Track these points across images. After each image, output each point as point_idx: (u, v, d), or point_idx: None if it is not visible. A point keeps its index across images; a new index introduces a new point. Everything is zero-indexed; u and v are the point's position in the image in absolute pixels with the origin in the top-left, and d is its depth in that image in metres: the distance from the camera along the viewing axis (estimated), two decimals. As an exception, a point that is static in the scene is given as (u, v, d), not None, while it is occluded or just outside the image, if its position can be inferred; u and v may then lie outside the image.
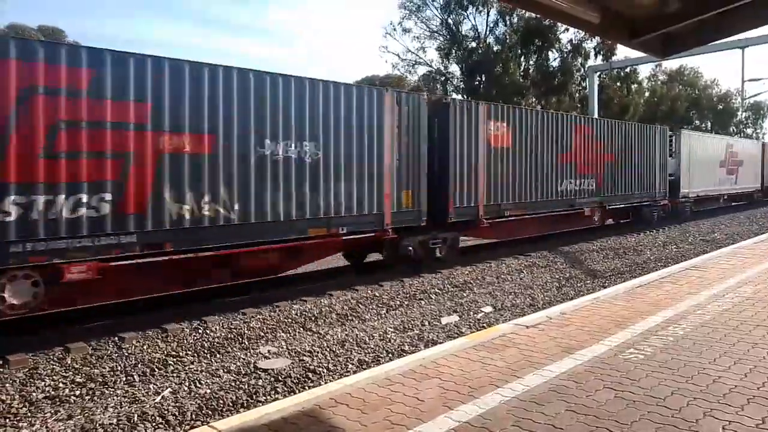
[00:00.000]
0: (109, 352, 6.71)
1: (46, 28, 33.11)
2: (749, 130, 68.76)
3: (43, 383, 5.74)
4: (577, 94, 40.90)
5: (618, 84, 42.28)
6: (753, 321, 6.03)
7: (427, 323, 7.95)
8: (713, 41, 6.61)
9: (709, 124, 63.21)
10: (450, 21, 40.31)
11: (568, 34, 38.97)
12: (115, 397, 5.43)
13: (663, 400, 4.01)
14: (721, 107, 64.17)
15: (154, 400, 5.34)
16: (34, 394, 5.49)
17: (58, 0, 75.72)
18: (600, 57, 39.25)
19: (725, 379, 4.39)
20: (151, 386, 5.69)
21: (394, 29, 41.86)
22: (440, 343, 6.68)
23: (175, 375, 6.02)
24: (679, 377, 4.45)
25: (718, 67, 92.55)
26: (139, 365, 6.26)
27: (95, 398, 5.44)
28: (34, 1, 67.29)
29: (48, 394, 5.49)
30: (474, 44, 40.05)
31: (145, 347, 6.84)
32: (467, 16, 40.01)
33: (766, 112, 67.65)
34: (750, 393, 4.11)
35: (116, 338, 7.08)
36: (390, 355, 6.59)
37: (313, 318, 8.13)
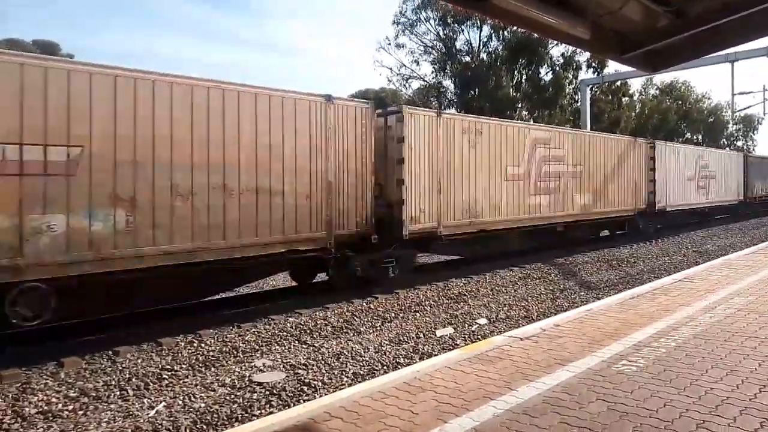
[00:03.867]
0: (103, 366, 6.68)
1: (42, 42, 33.39)
2: (740, 143, 69.44)
3: (35, 398, 5.71)
4: (569, 107, 41.23)
5: (609, 97, 42.66)
6: (744, 332, 6.08)
7: (422, 335, 7.95)
8: (701, 56, 6.75)
9: (700, 136, 63.74)
10: (444, 36, 40.69)
11: (559, 48, 39.42)
12: (108, 412, 5.41)
13: (656, 412, 4.03)
14: (711, 120, 64.77)
15: (148, 414, 5.32)
16: (26, 408, 5.46)
17: (58, 16, 75.84)
18: (591, 71, 39.72)
19: (717, 390, 4.43)
20: (145, 401, 5.67)
21: (389, 44, 42.19)
22: (435, 355, 6.69)
23: (169, 389, 6.00)
24: (671, 389, 4.47)
25: (710, 81, 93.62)
26: (134, 379, 6.23)
27: (88, 413, 5.42)
28: (30, 16, 67.44)
29: (41, 409, 5.46)
30: (468, 58, 40.40)
31: (139, 361, 6.82)
32: (462, 31, 40.41)
33: (756, 124, 68.28)
34: (742, 404, 4.14)
35: (110, 352, 7.06)
36: (385, 367, 6.59)
37: (308, 331, 8.13)
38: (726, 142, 65.86)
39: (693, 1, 4.62)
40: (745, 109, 45.85)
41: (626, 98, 45.93)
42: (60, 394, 5.83)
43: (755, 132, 69.60)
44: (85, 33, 79.09)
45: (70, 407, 5.52)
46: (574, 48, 35.46)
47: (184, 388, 5.98)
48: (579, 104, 34.66)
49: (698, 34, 4.93)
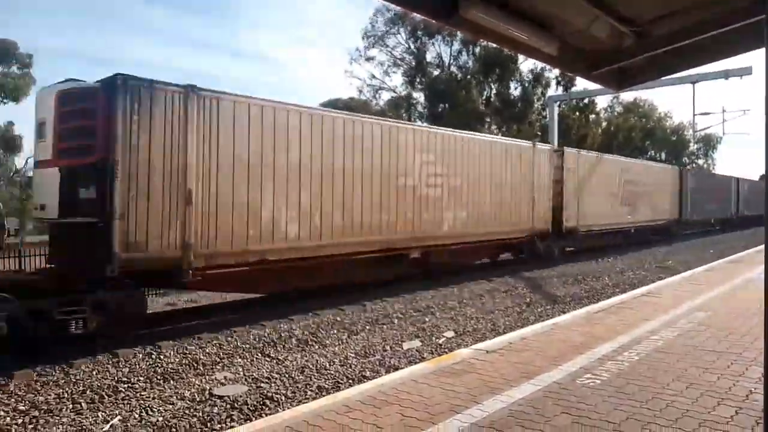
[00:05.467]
0: (55, 378, 6.42)
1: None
2: (701, 161, 71.69)
3: (-19, 412, 5.44)
4: (538, 123, 41.98)
5: (577, 114, 43.61)
6: (704, 347, 6.20)
7: (388, 348, 7.89)
8: (664, 76, 6.93)
9: (663, 154, 65.59)
10: (415, 49, 41.08)
11: (528, 64, 40.22)
12: (60, 426, 5.19)
13: (618, 425, 4.05)
14: (674, 138, 66.76)
15: (102, 428, 5.12)
16: (-29, 423, 5.20)
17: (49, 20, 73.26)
18: (560, 87, 40.55)
19: (678, 403, 4.48)
20: (99, 414, 5.45)
21: (360, 55, 42.36)
22: (401, 368, 6.63)
23: (125, 402, 5.79)
24: (634, 402, 4.51)
25: (672, 102, 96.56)
26: (88, 392, 6.00)
27: (39, 427, 5.19)
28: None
29: (-13, 424, 5.21)
30: (438, 72, 40.84)
31: (94, 373, 6.58)
32: (433, 44, 40.87)
33: (715, 143, 70.64)
34: (701, 417, 4.19)
35: (64, 364, 6.79)
36: (350, 381, 6.50)
37: (272, 343, 7.98)
38: (687, 161, 67.91)
39: (655, 22, 4.74)
40: (705, 129, 47.40)
41: (593, 115, 47.01)
42: (9, 407, 5.57)
43: (714, 151, 71.95)
44: (41, 32, 76.19)
45: (19, 421, 5.28)
46: (543, 64, 36.22)
47: (141, 401, 5.78)
48: (547, 120, 35.27)
49: (660, 55, 5.06)
